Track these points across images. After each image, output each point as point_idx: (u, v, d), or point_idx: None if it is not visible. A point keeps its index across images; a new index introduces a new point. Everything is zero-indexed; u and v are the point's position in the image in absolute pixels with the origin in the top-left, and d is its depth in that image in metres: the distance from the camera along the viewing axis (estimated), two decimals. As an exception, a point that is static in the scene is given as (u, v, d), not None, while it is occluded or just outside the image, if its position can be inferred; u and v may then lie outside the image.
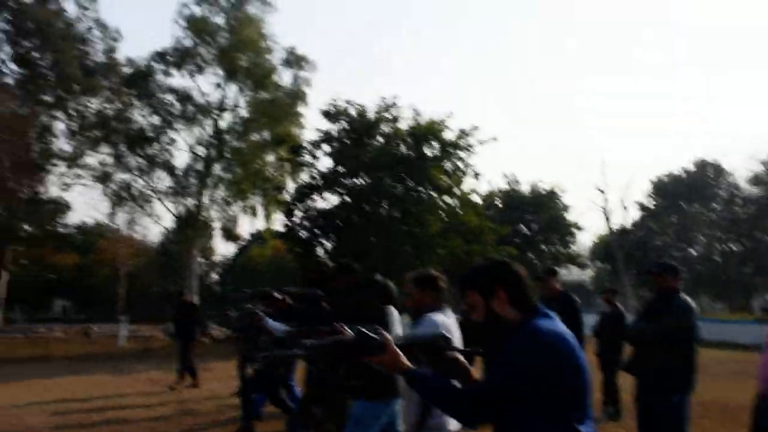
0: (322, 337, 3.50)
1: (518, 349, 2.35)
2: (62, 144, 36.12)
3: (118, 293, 36.73)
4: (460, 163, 28.94)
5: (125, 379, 15.86)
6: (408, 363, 2.51)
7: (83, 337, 27.88)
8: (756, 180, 50.94)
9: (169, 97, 35.66)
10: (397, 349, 2.52)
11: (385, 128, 28.31)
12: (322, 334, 3.67)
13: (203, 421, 9.79)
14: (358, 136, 27.89)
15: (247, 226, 66.69)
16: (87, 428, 9.33)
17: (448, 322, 3.68)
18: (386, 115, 28.20)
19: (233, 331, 10.00)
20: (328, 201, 29.14)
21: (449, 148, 28.27)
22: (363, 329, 2.57)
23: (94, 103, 35.86)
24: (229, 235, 38.19)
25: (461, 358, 2.61)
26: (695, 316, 5.52)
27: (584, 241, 58.20)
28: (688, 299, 5.56)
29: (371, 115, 28.17)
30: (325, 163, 29.24)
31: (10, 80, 34.09)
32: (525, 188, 47.95)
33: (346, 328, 3.55)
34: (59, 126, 35.78)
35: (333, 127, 28.50)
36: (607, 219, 45.91)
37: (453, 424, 3.70)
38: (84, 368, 18.58)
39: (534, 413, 2.32)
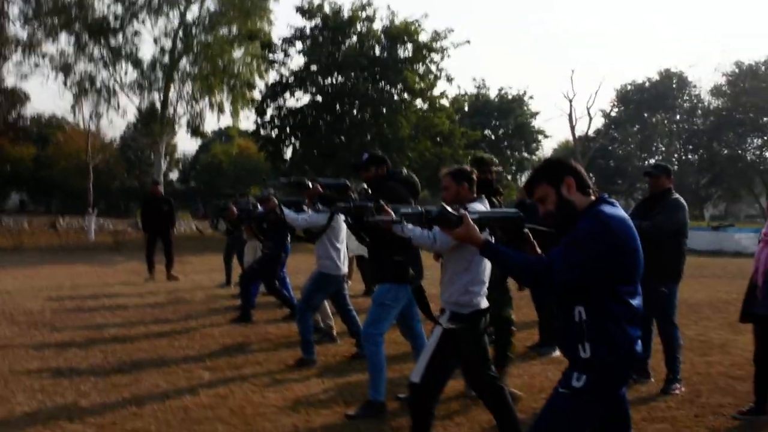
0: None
1: (587, 230, 2.72)
2: (18, 30, 35.08)
3: (86, 187, 36.34)
4: (433, 66, 28.95)
5: (105, 270, 16.18)
6: (481, 236, 2.89)
7: (50, 230, 27.87)
8: (718, 92, 51.73)
9: (134, -15, 34.41)
10: (473, 223, 2.90)
11: (360, 27, 28.01)
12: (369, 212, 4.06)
13: (198, 309, 10.20)
14: (333, 34, 27.58)
15: (211, 123, 65.98)
16: (87, 312, 9.68)
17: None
18: (361, 14, 27.84)
19: (230, 222, 10.25)
20: (299, 100, 29.09)
21: (423, 51, 28.18)
22: (444, 205, 2.94)
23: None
24: (195, 131, 37.71)
25: (530, 235, 3.02)
26: (686, 213, 6.02)
27: (549, 147, 59.10)
28: (680, 198, 6.04)
29: (346, 13, 27.78)
30: (297, 62, 28.96)
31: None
32: (493, 93, 48.10)
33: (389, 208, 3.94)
34: (14, 10, 34.60)
35: (307, 24, 28.11)
36: (572, 126, 46.50)
37: (484, 302, 4.14)
38: (59, 259, 18.84)
39: (595, 287, 2.72)
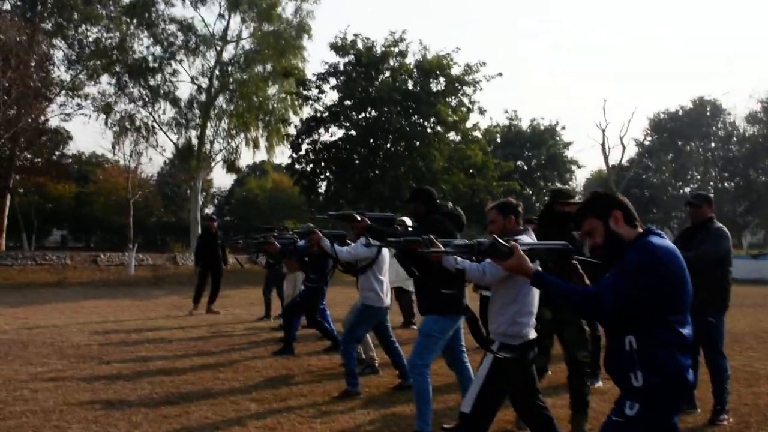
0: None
1: (635, 260, 2.78)
2: (62, 73, 36.36)
3: (125, 223, 37.06)
4: (465, 99, 29.17)
5: (147, 304, 16.42)
6: (532, 266, 2.97)
7: (92, 265, 28.34)
8: (753, 118, 51.22)
9: (171, 27, 35.50)
10: (524, 255, 2.98)
11: (393, 62, 28.38)
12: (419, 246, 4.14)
13: (240, 342, 10.33)
14: (366, 69, 27.97)
15: (247, 158, 67.00)
16: (132, 346, 9.85)
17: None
18: (394, 49, 28.23)
19: (270, 256, 10.42)
20: (333, 134, 29.45)
21: (456, 84, 28.42)
22: (496, 237, 3.03)
23: (93, 32, 35.93)
24: (231, 166, 38.41)
25: (579, 267, 3.10)
26: (730, 242, 6.01)
27: (582, 177, 58.85)
28: (723, 227, 6.03)
29: (379, 48, 28.19)
30: (331, 97, 29.41)
31: (8, 7, 33.88)
32: (525, 124, 48.20)
33: (438, 242, 4.03)
34: (58, 55, 35.90)
35: (340, 61, 28.55)
36: (606, 156, 46.32)
37: (532, 333, 4.19)
38: (101, 294, 19.19)
39: (644, 317, 2.78)
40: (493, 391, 3.98)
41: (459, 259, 4.05)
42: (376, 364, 7.99)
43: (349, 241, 7.03)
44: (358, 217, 5.57)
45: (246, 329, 11.84)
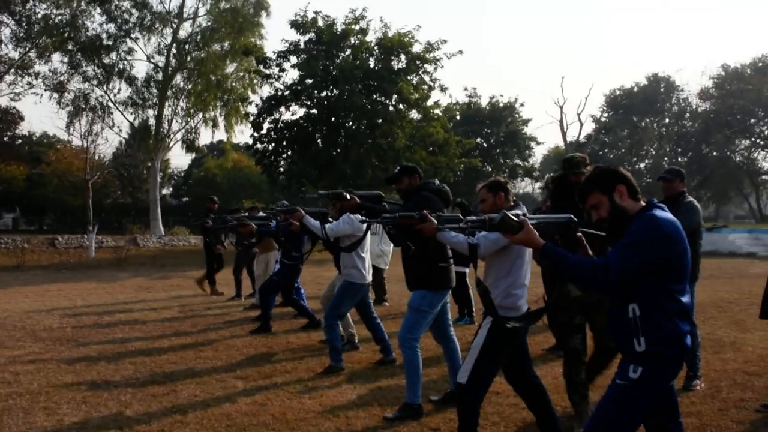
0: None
1: (641, 231, 2.94)
2: (10, 51, 35.47)
3: (81, 205, 36.39)
4: (426, 77, 29.29)
5: (113, 286, 16.29)
6: (541, 240, 3.10)
7: (50, 248, 27.87)
8: (705, 95, 52.34)
9: (125, 4, 34.79)
10: (533, 229, 3.11)
11: (354, 40, 28.32)
12: (415, 221, 4.26)
13: (215, 322, 10.34)
14: (327, 47, 27.87)
15: (205, 138, 66.20)
16: (106, 328, 9.80)
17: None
18: (355, 27, 28.16)
19: (241, 236, 10.48)
20: (294, 113, 29.35)
21: (417, 62, 28.50)
22: (506, 212, 3.15)
23: (42, 8, 34.86)
24: (190, 146, 37.99)
25: (583, 239, 3.24)
26: (701, 215, 6.24)
27: (541, 154, 59.63)
28: (695, 201, 6.26)
29: (340, 26, 28.09)
30: (291, 75, 29.30)
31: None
32: (484, 102, 48.52)
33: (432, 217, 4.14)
34: (6, 32, 35.06)
35: (301, 38, 28.39)
36: (564, 132, 46.98)
37: (525, 305, 4.35)
38: (64, 277, 18.96)
39: (647, 285, 2.95)
40: (489, 361, 4.13)
41: (452, 233, 4.17)
42: (356, 341, 8.12)
43: (330, 219, 7.12)
44: (348, 196, 5.65)
45: (219, 309, 11.85)
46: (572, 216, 3.36)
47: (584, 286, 3.23)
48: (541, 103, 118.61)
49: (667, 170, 6.52)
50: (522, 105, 48.18)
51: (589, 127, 54.63)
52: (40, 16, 34.52)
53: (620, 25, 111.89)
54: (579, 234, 3.27)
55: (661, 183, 6.34)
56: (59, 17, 34.61)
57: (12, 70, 35.33)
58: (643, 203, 3.10)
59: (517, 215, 3.17)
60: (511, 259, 4.22)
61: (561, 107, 46.92)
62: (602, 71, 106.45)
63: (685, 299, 3.01)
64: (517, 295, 4.26)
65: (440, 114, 31.30)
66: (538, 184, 62.76)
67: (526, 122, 47.89)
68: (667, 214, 3.03)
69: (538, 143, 48.98)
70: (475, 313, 10.03)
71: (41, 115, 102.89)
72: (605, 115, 55.13)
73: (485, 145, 46.67)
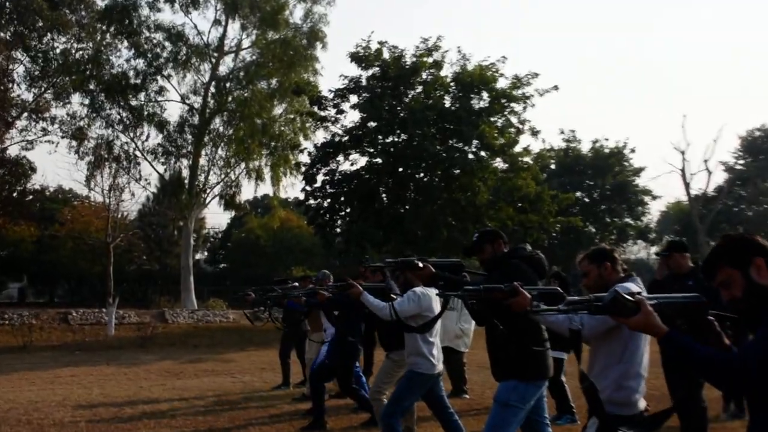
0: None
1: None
2: (23, 92, 36.64)
3: (99, 273, 37.26)
4: (513, 118, 29.35)
5: (136, 371, 16.60)
6: (663, 325, 3.06)
7: (62, 324, 28.60)
8: None
9: (157, 36, 36.06)
10: (652, 311, 3.07)
11: (426, 75, 28.69)
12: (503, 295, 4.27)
13: (258, 416, 10.42)
14: (394, 84, 28.26)
15: (247, 193, 67.33)
16: (127, 422, 9.98)
17: (642, 291, 4.24)
18: (427, 60, 28.55)
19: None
20: (354, 163, 29.65)
21: (502, 100, 28.62)
22: (618, 289, 3.13)
23: (61, 42, 36.32)
24: (229, 202, 38.71)
25: (715, 322, 3.18)
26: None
27: (658, 210, 58.65)
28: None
29: (409, 59, 28.51)
30: (351, 118, 29.72)
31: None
32: (586, 147, 48.32)
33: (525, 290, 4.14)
34: (19, 70, 36.32)
35: (363, 74, 28.88)
36: (687, 184, 46.22)
37: (642, 401, 4.28)
38: (78, 359, 19.42)
39: None
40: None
41: (559, 316, 4.16)
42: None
43: (394, 296, 7.16)
44: (421, 264, 5.70)
45: (262, 401, 11.95)
46: (700, 295, 3.30)
47: (717, 386, 3.13)
48: (658, 148, 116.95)
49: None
50: (633, 151, 47.49)
51: (719, 177, 53.50)
52: (58, 51, 35.89)
53: (758, 49, 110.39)
54: (710, 318, 3.19)
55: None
56: (80, 52, 36.09)
57: (25, 114, 36.39)
58: None
59: (632, 294, 3.14)
60: (623, 342, 4.18)
61: (683, 153, 45.85)
62: (735, 107, 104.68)
63: None
64: (630, 387, 4.20)
65: (531, 162, 31.20)
66: (654, 249, 61.55)
67: (638, 172, 47.27)
68: None
69: (654, 198, 48.17)
70: (576, 409, 9.85)
71: (56, 167, 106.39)
72: (741, 161, 54.11)
73: (587, 200, 46.21)
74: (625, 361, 4.20)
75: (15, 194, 40.38)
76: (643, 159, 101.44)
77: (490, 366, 5.50)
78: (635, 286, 4.21)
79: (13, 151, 38.43)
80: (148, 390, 13.28)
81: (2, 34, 34.94)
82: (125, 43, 36.02)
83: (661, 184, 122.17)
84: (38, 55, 35.95)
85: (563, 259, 38.69)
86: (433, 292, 6.75)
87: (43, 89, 36.39)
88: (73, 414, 10.64)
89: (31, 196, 49.31)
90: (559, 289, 3.80)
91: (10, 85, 35.70)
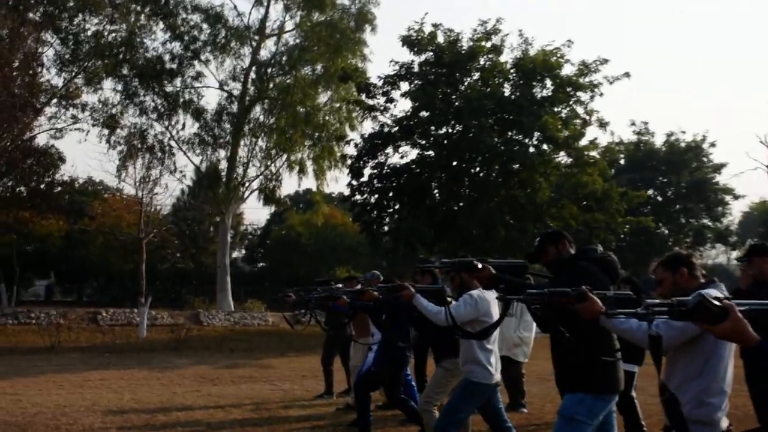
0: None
1: None
2: (52, 77, 37.02)
3: (134, 270, 37.64)
4: (580, 108, 29.10)
5: (169, 376, 16.79)
6: (755, 334, 2.99)
7: (91, 324, 28.99)
8: None
9: (195, 18, 36.43)
10: (742, 317, 3.00)
11: (484, 61, 28.58)
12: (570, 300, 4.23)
13: (300, 427, 10.49)
14: (449, 70, 28.20)
15: (288, 187, 67.66)
16: (161, 431, 10.11)
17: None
18: (485, 44, 28.43)
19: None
20: (405, 155, 29.63)
21: (567, 88, 28.40)
22: (703, 293, 3.07)
23: (92, 24, 36.58)
24: (269, 197, 38.86)
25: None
26: None
27: (740, 211, 57.76)
28: None
29: (466, 43, 28.44)
30: (402, 107, 29.71)
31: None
32: (659, 140, 47.77)
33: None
34: (49, 53, 36.56)
35: (415, 59, 28.85)
36: (772, 182, 45.42)
37: (725, 421, 4.21)
38: (108, 362, 19.68)
39: None
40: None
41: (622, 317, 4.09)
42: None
43: (449, 299, 7.13)
44: (480, 265, 5.66)
45: (303, 409, 12.00)
46: None
47: None
48: (741, 142, 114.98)
49: None
50: (713, 145, 46.83)
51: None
52: (90, 33, 36.11)
53: None
54: None
55: None
56: (113, 35, 36.35)
57: (54, 101, 36.58)
58: None
59: (718, 299, 3.08)
60: (704, 355, 4.11)
61: (768, 145, 45.10)
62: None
63: None
64: (712, 404, 4.13)
65: (598, 157, 30.89)
66: (735, 253, 60.57)
67: (718, 168, 46.62)
68: None
69: (735, 197, 47.42)
70: (646, 427, 9.72)
71: (86, 157, 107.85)
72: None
73: (660, 198, 45.68)
74: (706, 374, 4.13)
75: (43, 186, 40.56)
76: (724, 154, 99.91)
77: (555, 377, 5.45)
78: (719, 293, 4.13)
79: (41, 139, 38.86)
80: (182, 396, 13.41)
81: (31, 15, 34.97)
82: (160, 25, 36.43)
83: (744, 182, 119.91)
84: (69, 37, 36.11)
85: (632, 262, 38.32)
86: (491, 295, 6.74)
87: (73, 74, 36.57)
88: (103, 420, 10.77)
89: (59, 188, 49.78)
90: (632, 294, 3.73)
91: (39, 69, 35.91)
